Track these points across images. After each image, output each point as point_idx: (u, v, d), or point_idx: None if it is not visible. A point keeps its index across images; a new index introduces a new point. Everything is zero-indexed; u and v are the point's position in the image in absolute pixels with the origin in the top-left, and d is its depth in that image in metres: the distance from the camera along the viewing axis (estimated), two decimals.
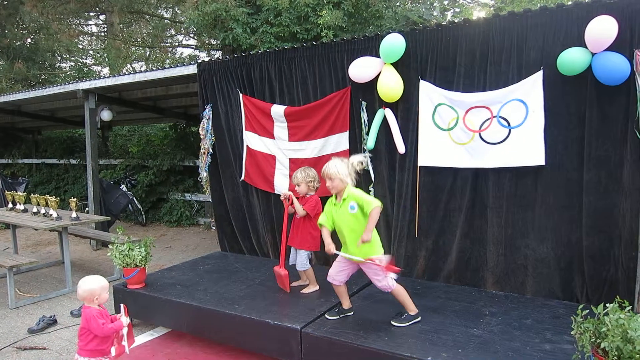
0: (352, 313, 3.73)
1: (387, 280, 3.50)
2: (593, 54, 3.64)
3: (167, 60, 18.31)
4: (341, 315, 3.68)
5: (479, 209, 4.39)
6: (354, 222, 3.45)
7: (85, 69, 17.58)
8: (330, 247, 3.47)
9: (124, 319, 3.05)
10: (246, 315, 3.72)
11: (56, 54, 17.48)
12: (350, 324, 3.53)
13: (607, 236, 3.87)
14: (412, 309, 3.56)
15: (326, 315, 3.69)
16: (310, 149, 5.21)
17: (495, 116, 4.12)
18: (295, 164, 5.28)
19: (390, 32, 4.52)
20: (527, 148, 4.01)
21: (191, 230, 9.40)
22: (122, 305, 3.18)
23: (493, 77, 4.15)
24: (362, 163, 3.53)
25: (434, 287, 4.39)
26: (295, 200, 4.23)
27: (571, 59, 3.69)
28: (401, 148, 4.56)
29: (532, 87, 3.96)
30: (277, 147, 5.45)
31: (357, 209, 3.41)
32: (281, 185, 5.42)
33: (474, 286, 4.41)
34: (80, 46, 18.76)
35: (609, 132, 3.77)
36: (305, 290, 4.29)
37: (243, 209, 5.89)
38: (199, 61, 6.13)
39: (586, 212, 3.92)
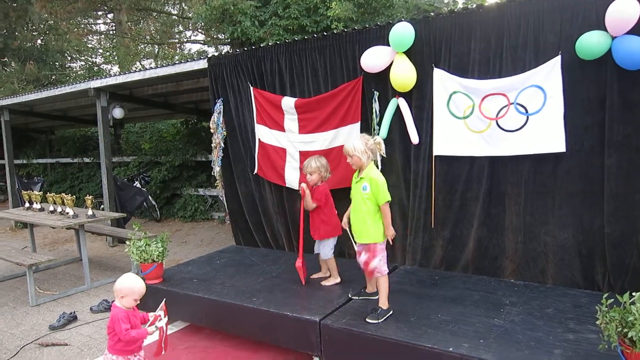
0: (376, 297, 3.72)
1: (381, 264, 3.54)
2: (613, 38, 3.55)
3: (176, 57, 18.34)
4: (361, 297, 3.79)
5: (496, 197, 4.33)
6: (361, 202, 3.60)
7: (95, 68, 17.68)
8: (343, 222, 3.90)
9: (150, 328, 3.00)
10: (264, 308, 3.72)
11: (66, 54, 17.58)
12: (367, 309, 3.50)
13: (629, 223, 3.79)
14: (386, 304, 3.53)
15: (349, 294, 3.85)
16: (320, 141, 5.17)
17: (512, 103, 4.04)
18: (305, 156, 5.20)
19: (401, 21, 4.46)
20: (546, 135, 3.93)
21: (205, 225, 9.44)
22: (163, 303, 3.12)
23: (509, 63, 4.07)
24: (379, 143, 3.61)
25: (452, 277, 4.35)
26: (307, 193, 4.19)
27: (591, 43, 3.60)
28: (414, 138, 4.51)
29: (550, 73, 3.88)
30: (288, 139, 5.42)
31: (369, 192, 3.54)
32: (291, 178, 5.39)
33: (492, 275, 4.36)
34: (90, 45, 18.86)
35: (630, 116, 3.68)
36: (325, 282, 4.29)
37: (256, 203, 5.89)
38: (209, 56, 6.10)
39: (607, 198, 3.84)
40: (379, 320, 3.40)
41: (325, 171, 4.26)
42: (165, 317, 3.06)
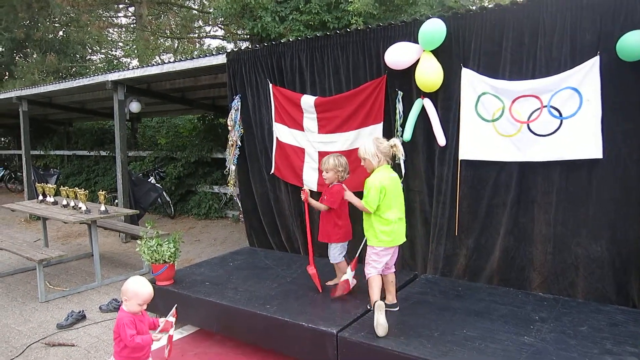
0: (397, 309, 3.60)
1: (370, 267, 3.51)
2: None
3: (195, 52, 18.29)
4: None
5: (524, 204, 4.10)
6: None
7: (115, 61, 17.71)
8: None
9: (157, 335, 2.87)
10: (279, 317, 3.54)
11: (87, 47, 17.64)
12: (390, 328, 3.30)
13: None
14: (372, 302, 3.41)
15: (368, 306, 3.64)
16: (341, 141, 4.98)
17: (545, 106, 3.81)
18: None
19: (430, 17, 4.24)
20: (582, 140, 3.70)
21: (219, 223, 9.32)
22: (174, 309, 2.98)
23: (543, 64, 3.84)
24: (395, 146, 3.52)
25: (476, 288, 4.13)
26: (312, 202, 4.06)
27: (634, 43, 3.36)
28: (441, 140, 4.29)
29: (587, 74, 3.64)
30: (307, 139, 5.24)
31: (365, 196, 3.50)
32: (309, 179, 5.21)
33: (519, 287, 4.14)
34: (110, 38, 18.90)
35: None
36: (330, 282, 4.17)
37: (271, 204, 5.72)
38: (228, 51, 5.95)
39: None
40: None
41: (343, 171, 4.02)
42: (175, 324, 2.91)
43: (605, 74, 3.59)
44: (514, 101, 3.93)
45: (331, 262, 4.15)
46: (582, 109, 3.68)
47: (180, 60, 6.64)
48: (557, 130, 3.79)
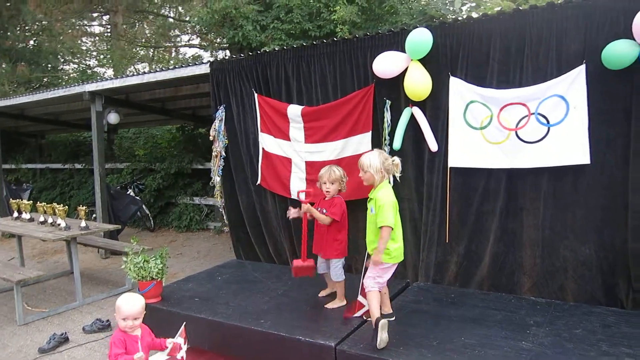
0: (393, 318, 3.56)
1: (372, 282, 3.41)
2: None
3: (171, 61, 18.07)
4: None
5: (513, 211, 4.15)
6: (371, 222, 3.50)
7: (89, 71, 17.34)
8: None
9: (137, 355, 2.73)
10: (275, 332, 3.48)
11: (59, 56, 17.23)
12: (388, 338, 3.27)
13: None
14: (374, 318, 3.28)
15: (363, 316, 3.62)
16: (329, 150, 4.95)
17: (532, 113, 3.87)
18: (312, 167, 5.02)
19: (417, 27, 4.27)
20: (569, 146, 3.76)
21: (201, 236, 9.16)
22: (182, 328, 2.88)
23: (530, 72, 3.90)
24: (398, 165, 3.47)
25: (469, 294, 4.14)
26: (315, 212, 3.94)
27: (618, 52, 3.44)
28: (433, 146, 4.30)
29: (573, 82, 3.72)
30: (293, 149, 5.20)
31: (374, 213, 3.41)
32: (298, 189, 5.15)
33: (509, 292, 4.17)
34: (84, 48, 18.51)
35: None
36: (330, 305, 3.98)
37: (257, 215, 5.65)
38: (211, 60, 5.89)
39: (632, 213, 3.67)
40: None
41: (344, 183, 3.99)
42: (185, 344, 2.79)
43: (591, 82, 3.66)
44: (501, 109, 3.98)
45: (334, 280, 4.00)
46: (569, 116, 3.75)
47: (162, 70, 6.53)
48: (544, 137, 3.85)
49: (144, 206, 9.37)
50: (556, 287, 4.03)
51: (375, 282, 3.41)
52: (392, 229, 3.33)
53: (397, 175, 3.56)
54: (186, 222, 9.50)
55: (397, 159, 3.47)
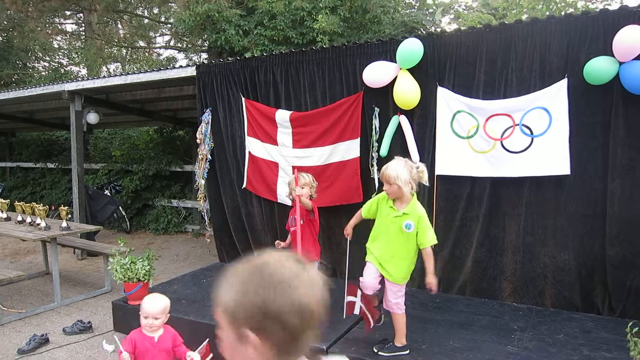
0: (381, 323, 3.57)
1: (401, 302, 3.25)
2: (620, 63, 3.57)
3: (146, 62, 17.82)
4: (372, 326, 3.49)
5: (496, 217, 4.30)
6: (400, 240, 3.17)
7: (62, 69, 16.94)
8: (348, 230, 3.57)
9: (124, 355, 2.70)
10: None
11: (30, 54, 16.79)
12: (377, 342, 3.34)
13: (632, 245, 3.81)
14: (402, 342, 3.25)
15: (374, 349, 3.31)
16: (316, 156, 5.01)
17: (517, 124, 4.02)
18: (299, 172, 5.06)
19: (406, 37, 4.38)
20: (551, 157, 3.92)
21: (179, 238, 9.06)
22: (205, 343, 2.84)
23: (514, 85, 4.05)
24: (423, 172, 3.14)
25: (454, 300, 4.25)
26: (304, 200, 3.84)
27: (599, 68, 3.62)
28: (415, 157, 4.41)
29: (556, 95, 3.88)
30: (280, 153, 5.23)
31: (413, 231, 3.10)
32: (284, 194, 5.18)
33: (490, 296, 4.31)
34: (56, 45, 18.07)
35: (635, 141, 3.72)
36: None
37: (242, 219, 5.65)
38: (198, 63, 5.88)
39: (610, 221, 3.85)
40: (389, 354, 3.20)
41: (313, 189, 3.95)
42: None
43: (572, 95, 3.84)
44: (487, 119, 4.11)
45: None
46: (551, 128, 3.91)
47: (147, 71, 6.46)
48: (528, 147, 4.00)
49: (120, 208, 9.22)
50: (536, 292, 4.18)
51: (402, 300, 3.26)
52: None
53: (425, 182, 3.19)
54: (164, 224, 9.38)
55: (422, 166, 3.16)
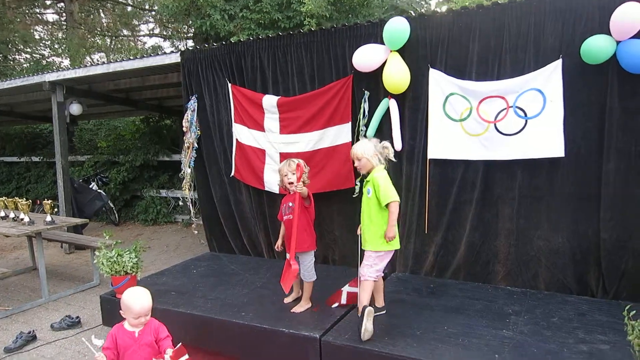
0: (384, 312, 3.53)
1: (370, 270, 3.36)
2: (618, 42, 3.50)
3: (131, 51, 17.48)
4: (376, 315, 3.42)
5: (489, 201, 4.23)
6: (367, 206, 3.43)
7: (44, 61, 16.57)
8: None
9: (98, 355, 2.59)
10: (257, 324, 3.43)
11: (10, 46, 16.38)
12: (376, 325, 3.28)
13: (625, 228, 3.76)
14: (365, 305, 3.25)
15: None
16: (304, 142, 4.90)
17: (511, 106, 3.94)
18: (286, 158, 4.95)
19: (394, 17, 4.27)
20: (545, 139, 3.85)
21: (169, 229, 8.95)
22: (179, 345, 2.71)
23: (508, 66, 3.97)
24: (387, 148, 3.44)
25: (448, 284, 4.20)
26: (303, 189, 3.62)
27: (596, 47, 3.53)
28: (398, 144, 4.32)
29: (550, 76, 3.80)
30: (267, 140, 5.12)
31: (372, 195, 3.36)
32: (271, 181, 5.07)
33: (484, 280, 4.26)
34: (37, 37, 17.65)
35: (630, 123, 3.65)
36: (296, 309, 3.67)
37: (231, 207, 5.55)
38: (166, 50, 5.71)
39: (604, 204, 3.80)
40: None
41: (305, 174, 3.73)
42: None
43: (567, 76, 3.75)
44: (481, 101, 4.03)
45: (306, 280, 3.69)
46: (545, 109, 3.84)
47: (129, 59, 6.28)
48: (522, 129, 3.93)
49: (108, 201, 9.08)
50: (530, 275, 4.14)
51: (373, 270, 3.35)
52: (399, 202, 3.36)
53: (392, 157, 3.47)
54: (153, 215, 9.25)
55: (385, 142, 3.48)
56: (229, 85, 5.26)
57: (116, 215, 9.42)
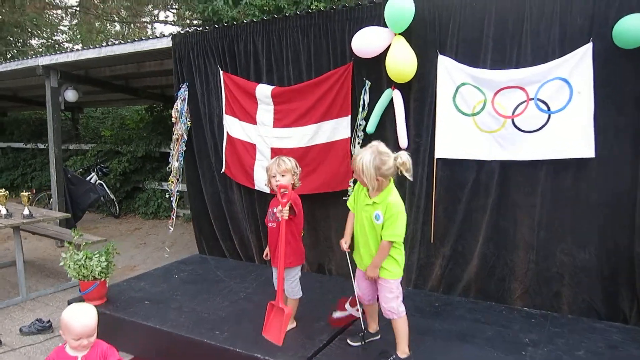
0: (379, 337, 3.09)
1: (398, 303, 2.82)
2: None
3: (143, 38, 17.21)
4: (367, 341, 3.02)
5: (505, 208, 3.72)
6: (372, 230, 2.80)
7: (57, 46, 16.41)
8: (343, 241, 2.98)
9: None
10: (229, 347, 2.99)
11: (25, 30, 16.26)
12: (368, 356, 2.82)
13: None
14: (405, 351, 2.84)
15: (348, 341, 3.05)
16: (298, 137, 4.39)
17: (532, 99, 3.40)
18: (278, 154, 4.44)
19: None
20: (572, 137, 3.32)
21: (169, 223, 8.57)
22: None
23: (529, 52, 3.44)
24: (404, 164, 2.65)
25: (455, 303, 3.70)
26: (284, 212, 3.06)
27: (633, 29, 2.98)
28: (403, 142, 3.83)
29: (578, 64, 3.26)
30: (258, 133, 4.63)
31: (381, 223, 2.72)
32: (261, 180, 4.56)
33: (498, 299, 3.76)
34: (52, 22, 17.50)
35: None
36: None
37: (222, 206, 5.12)
38: (174, 33, 5.28)
39: (639, 213, 3.25)
40: None
41: (296, 176, 3.22)
42: None
43: (598, 63, 3.22)
44: (496, 93, 3.50)
45: (290, 297, 3.23)
46: (572, 102, 3.31)
47: (120, 43, 5.88)
48: (544, 125, 3.41)
49: (108, 191, 8.76)
50: (551, 295, 3.63)
51: (400, 300, 2.83)
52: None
53: (408, 176, 2.70)
54: (153, 208, 8.91)
55: (402, 157, 2.65)
56: (221, 72, 4.81)
57: (117, 207, 9.11)
